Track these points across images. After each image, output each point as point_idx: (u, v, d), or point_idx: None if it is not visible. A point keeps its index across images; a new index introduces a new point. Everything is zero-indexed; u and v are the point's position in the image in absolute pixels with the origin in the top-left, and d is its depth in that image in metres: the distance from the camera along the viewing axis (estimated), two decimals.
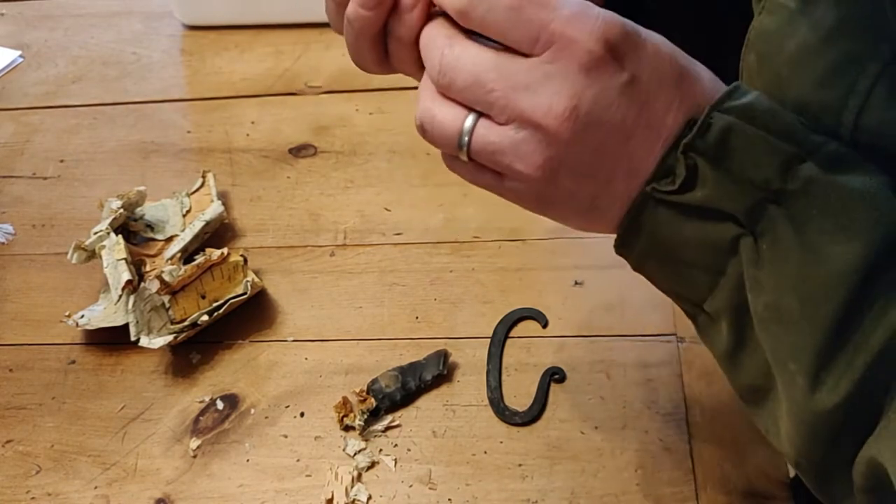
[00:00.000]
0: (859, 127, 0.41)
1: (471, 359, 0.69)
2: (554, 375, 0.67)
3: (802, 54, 0.43)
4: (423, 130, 0.45)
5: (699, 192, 0.40)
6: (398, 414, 0.67)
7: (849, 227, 0.38)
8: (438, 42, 0.43)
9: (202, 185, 0.83)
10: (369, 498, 0.62)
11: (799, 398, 0.40)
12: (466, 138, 0.43)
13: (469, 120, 0.43)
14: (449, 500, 0.62)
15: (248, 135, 0.90)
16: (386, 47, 0.49)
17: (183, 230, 0.78)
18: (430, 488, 0.63)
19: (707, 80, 0.43)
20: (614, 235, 0.46)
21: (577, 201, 0.44)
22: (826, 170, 0.39)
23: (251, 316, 0.74)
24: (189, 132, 0.91)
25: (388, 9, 0.47)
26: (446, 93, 0.43)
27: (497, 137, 0.42)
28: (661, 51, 0.42)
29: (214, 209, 0.78)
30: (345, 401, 0.66)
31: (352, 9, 0.47)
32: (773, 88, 0.45)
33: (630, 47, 0.41)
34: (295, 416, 0.67)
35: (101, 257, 0.74)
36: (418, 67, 0.49)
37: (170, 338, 0.69)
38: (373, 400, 0.66)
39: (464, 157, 0.44)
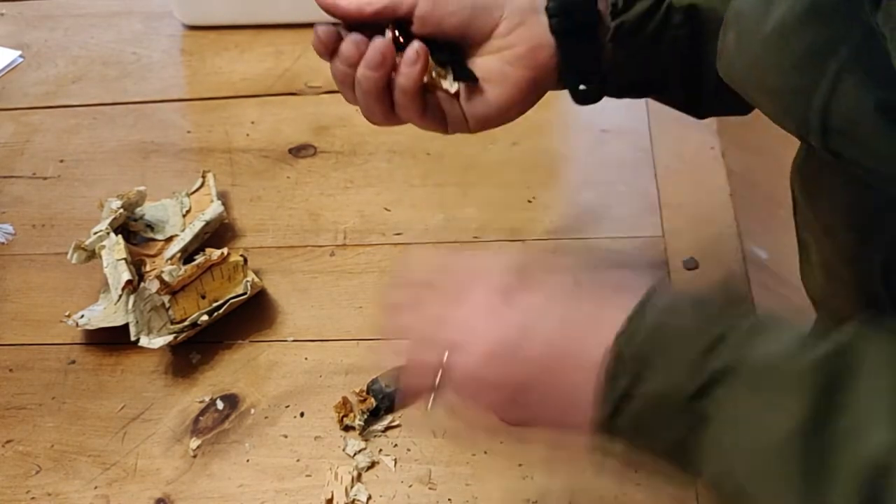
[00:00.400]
0: (829, 110, 0.42)
1: None
2: None
3: (778, 37, 0.43)
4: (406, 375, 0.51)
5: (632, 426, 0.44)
6: (398, 414, 0.67)
7: (775, 400, 0.40)
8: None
9: (202, 185, 0.83)
10: (369, 498, 0.62)
11: None
12: (431, 400, 0.49)
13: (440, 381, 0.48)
14: (449, 500, 0.62)
15: (248, 135, 0.90)
16: (392, 101, 0.56)
17: (183, 230, 0.78)
18: (430, 488, 0.62)
19: (614, 295, 0.46)
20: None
21: (541, 422, 0.49)
22: (743, 345, 0.41)
23: (251, 316, 0.74)
24: (189, 132, 0.91)
25: (391, 67, 0.55)
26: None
27: (453, 395, 0.48)
28: (561, 283, 0.48)
29: (214, 209, 0.78)
30: (344, 401, 0.66)
31: (361, 72, 0.55)
32: (752, 70, 0.46)
33: (526, 290, 0.47)
34: (295, 416, 0.67)
35: (101, 257, 0.74)
36: (421, 114, 0.55)
37: (170, 338, 0.69)
38: (373, 400, 0.66)
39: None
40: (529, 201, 0.79)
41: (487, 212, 0.79)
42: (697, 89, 0.60)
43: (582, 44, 0.57)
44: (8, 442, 0.67)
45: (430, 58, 0.56)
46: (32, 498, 0.64)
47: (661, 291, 0.45)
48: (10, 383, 0.71)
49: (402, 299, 0.52)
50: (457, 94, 0.57)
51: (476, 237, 0.78)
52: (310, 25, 0.55)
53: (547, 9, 0.56)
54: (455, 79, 0.57)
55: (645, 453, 0.45)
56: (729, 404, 0.41)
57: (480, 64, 0.57)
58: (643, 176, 0.82)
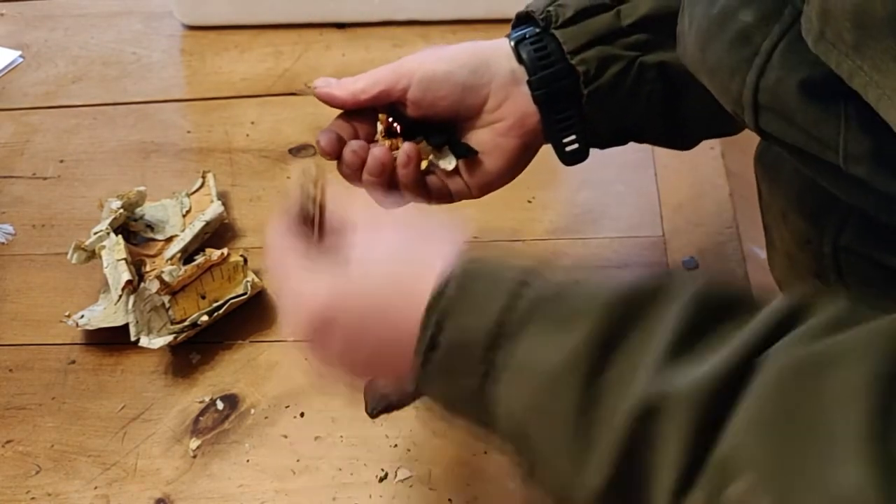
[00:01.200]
0: (759, 88, 0.44)
1: None
2: None
3: (722, 16, 0.46)
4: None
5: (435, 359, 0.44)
6: (397, 414, 0.67)
7: (559, 336, 0.41)
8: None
9: (202, 186, 0.83)
10: (369, 497, 0.62)
11: (571, 483, 0.40)
12: None
13: None
14: (449, 500, 0.62)
15: (248, 135, 0.90)
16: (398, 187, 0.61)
17: (183, 230, 0.78)
18: (430, 488, 0.62)
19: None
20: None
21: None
22: (542, 301, 0.42)
23: (251, 316, 0.74)
24: (189, 132, 0.91)
25: (392, 167, 0.60)
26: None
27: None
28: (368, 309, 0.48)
29: (214, 209, 0.78)
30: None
31: (364, 177, 0.60)
32: (696, 51, 0.48)
33: (336, 326, 0.47)
34: (295, 417, 0.67)
35: (101, 257, 0.74)
36: (427, 196, 0.62)
37: (170, 338, 0.69)
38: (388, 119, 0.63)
39: None
40: (529, 201, 0.79)
41: (487, 212, 0.79)
42: (679, 128, 0.64)
43: (563, 110, 0.61)
44: (8, 442, 0.67)
45: (426, 142, 0.61)
46: (32, 498, 0.64)
47: (471, 247, 0.47)
48: (10, 383, 0.71)
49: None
50: (456, 170, 0.62)
51: (476, 237, 0.78)
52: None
53: (529, 82, 0.60)
54: (455, 156, 0.62)
55: (450, 409, 0.46)
56: (520, 347, 0.42)
57: (474, 138, 0.62)
58: (643, 176, 0.82)
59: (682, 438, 0.37)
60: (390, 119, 0.61)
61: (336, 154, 0.61)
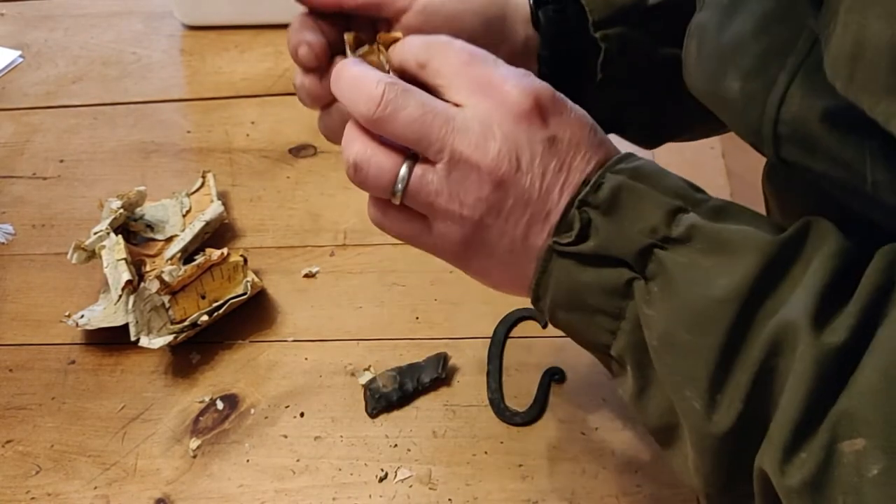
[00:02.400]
0: (780, 119, 0.44)
1: (471, 359, 0.69)
2: (554, 376, 0.67)
3: (734, 46, 0.45)
4: (358, 171, 0.47)
5: (592, 241, 0.44)
6: (397, 414, 0.67)
7: (728, 261, 0.41)
8: (377, 79, 0.45)
9: (202, 186, 0.83)
10: (369, 497, 0.62)
11: (698, 424, 0.42)
12: (403, 181, 0.46)
13: (406, 164, 0.46)
14: (449, 500, 0.62)
15: (248, 135, 0.90)
16: None
17: (183, 230, 0.78)
18: (430, 488, 0.62)
19: (616, 150, 0.48)
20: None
21: (498, 252, 0.47)
22: (707, 219, 0.43)
23: (251, 316, 0.74)
24: (189, 132, 0.91)
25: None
26: (384, 129, 0.45)
27: (433, 177, 0.45)
28: (583, 120, 0.47)
29: (214, 209, 0.78)
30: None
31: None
32: (710, 80, 0.48)
33: (555, 109, 0.46)
34: (295, 416, 0.67)
35: (101, 257, 0.74)
36: None
37: (170, 338, 0.69)
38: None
39: (396, 201, 0.46)
40: None
41: None
42: (666, 128, 0.64)
43: (566, 89, 0.58)
44: (8, 442, 0.67)
45: None
46: (32, 498, 0.64)
47: (632, 157, 0.46)
48: (10, 383, 0.71)
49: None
50: None
51: None
52: None
53: (539, 57, 0.58)
54: None
55: (570, 305, 0.46)
56: (676, 263, 0.42)
57: None
58: None
59: (810, 379, 0.38)
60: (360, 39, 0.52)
61: (323, 64, 0.53)
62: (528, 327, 0.71)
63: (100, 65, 1.00)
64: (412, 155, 0.46)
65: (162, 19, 1.05)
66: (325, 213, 0.82)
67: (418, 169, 0.46)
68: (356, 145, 0.47)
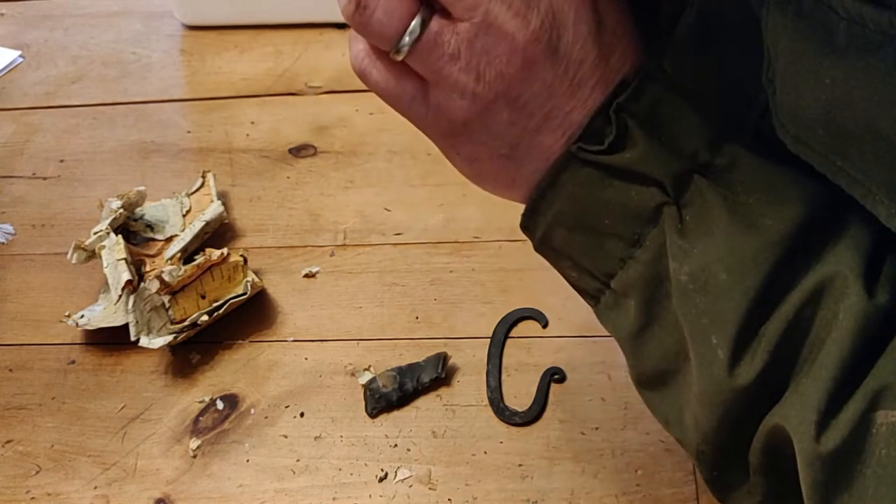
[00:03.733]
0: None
1: (470, 359, 0.69)
2: (554, 376, 0.67)
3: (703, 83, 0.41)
4: (361, 8, 0.38)
5: (628, 153, 0.39)
6: (397, 414, 0.67)
7: (776, 201, 0.38)
8: None
9: (202, 185, 0.83)
10: (369, 497, 0.62)
11: (718, 375, 0.38)
12: (414, 33, 0.38)
13: (423, 11, 0.38)
14: (449, 500, 0.62)
15: (248, 135, 0.90)
16: None
17: (183, 230, 0.78)
18: (430, 488, 0.63)
19: (640, 46, 0.42)
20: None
21: (499, 142, 0.41)
22: (752, 149, 0.39)
23: (251, 316, 0.74)
24: (189, 132, 0.91)
25: None
26: None
27: (453, 37, 0.38)
28: (625, 5, 0.41)
29: (214, 209, 0.78)
30: None
31: None
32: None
33: None
34: (295, 416, 0.67)
35: (101, 257, 0.74)
36: None
37: (170, 338, 0.69)
38: None
39: (399, 56, 0.39)
40: None
41: (487, 212, 0.79)
42: None
43: None
44: (8, 442, 0.67)
45: None
46: (32, 498, 0.64)
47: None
48: (10, 383, 0.71)
49: None
50: None
51: (476, 237, 0.78)
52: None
53: None
54: None
55: (584, 216, 0.40)
56: (715, 195, 0.38)
57: None
58: None
59: (856, 336, 0.35)
60: None
61: None
62: (528, 327, 0.71)
63: (100, 65, 1.00)
64: (431, 5, 0.38)
65: (162, 19, 1.05)
66: (325, 213, 0.82)
67: (435, 24, 0.38)
68: None
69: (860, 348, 0.35)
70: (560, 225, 0.41)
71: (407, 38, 0.38)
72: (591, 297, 0.44)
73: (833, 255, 0.37)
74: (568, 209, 0.41)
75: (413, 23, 0.38)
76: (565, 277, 0.44)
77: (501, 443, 0.65)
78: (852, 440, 0.34)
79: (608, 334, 0.46)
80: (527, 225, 0.43)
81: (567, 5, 0.38)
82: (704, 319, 0.38)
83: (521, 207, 0.44)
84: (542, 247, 0.43)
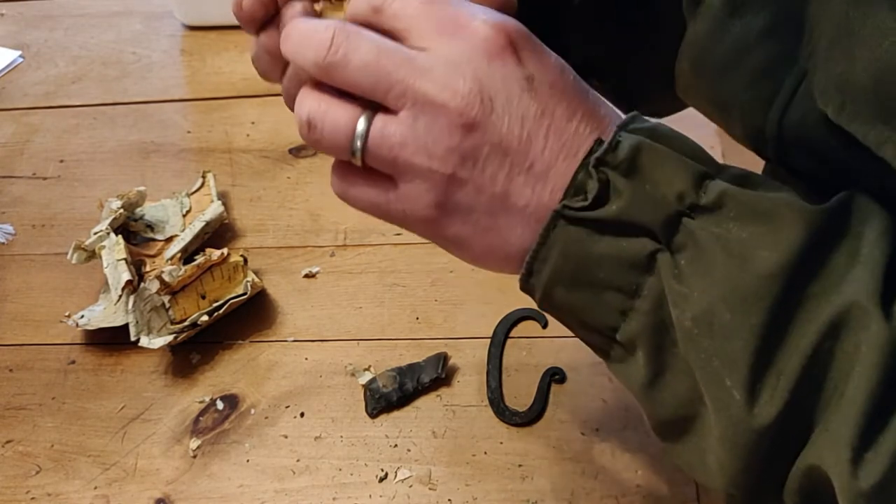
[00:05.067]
0: (784, 124, 0.41)
1: (471, 359, 0.69)
2: (554, 376, 0.67)
3: (733, 56, 0.43)
4: (312, 129, 0.41)
5: (613, 205, 0.39)
6: (397, 414, 0.67)
7: (769, 231, 0.37)
8: (326, 24, 0.41)
9: (202, 186, 0.83)
10: (369, 497, 0.62)
11: (737, 416, 0.37)
12: (362, 135, 0.40)
13: (365, 116, 0.40)
14: (449, 500, 0.62)
15: (248, 135, 0.90)
16: None
17: (183, 230, 0.78)
18: (430, 488, 0.62)
19: (607, 104, 0.43)
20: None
21: (475, 215, 0.42)
22: (737, 185, 0.39)
23: (251, 316, 0.74)
24: (189, 132, 0.91)
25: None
26: (336, 77, 0.40)
27: (396, 128, 0.40)
28: (563, 66, 0.42)
29: (214, 209, 0.78)
30: None
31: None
32: (706, 90, 0.45)
33: (530, 49, 0.41)
34: (295, 416, 0.67)
35: (101, 257, 0.74)
36: None
37: (170, 338, 0.69)
38: None
39: (357, 161, 0.41)
40: None
41: None
42: (646, 72, 0.57)
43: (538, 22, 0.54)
44: (8, 442, 0.67)
45: None
46: (32, 498, 0.64)
47: (642, 117, 0.41)
48: (10, 383, 0.71)
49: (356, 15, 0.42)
50: None
51: None
52: None
53: None
54: None
55: (579, 273, 0.40)
56: (708, 232, 0.38)
57: None
58: None
59: (882, 368, 0.34)
60: None
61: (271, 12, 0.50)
62: (528, 327, 0.71)
63: (100, 65, 1.00)
64: (372, 106, 0.40)
65: (162, 19, 1.05)
66: (325, 213, 0.82)
67: (378, 120, 0.40)
68: (309, 100, 0.42)
69: (887, 378, 0.34)
70: (557, 284, 0.41)
71: (358, 142, 0.41)
72: (602, 352, 0.43)
73: (845, 280, 0.36)
74: (562, 267, 0.41)
75: (358, 126, 0.40)
76: (576, 334, 0.44)
77: (501, 443, 0.65)
78: (892, 472, 0.34)
79: None
80: (525, 287, 0.43)
81: (492, 69, 0.40)
82: (715, 362, 0.38)
83: None
84: (544, 306, 0.43)
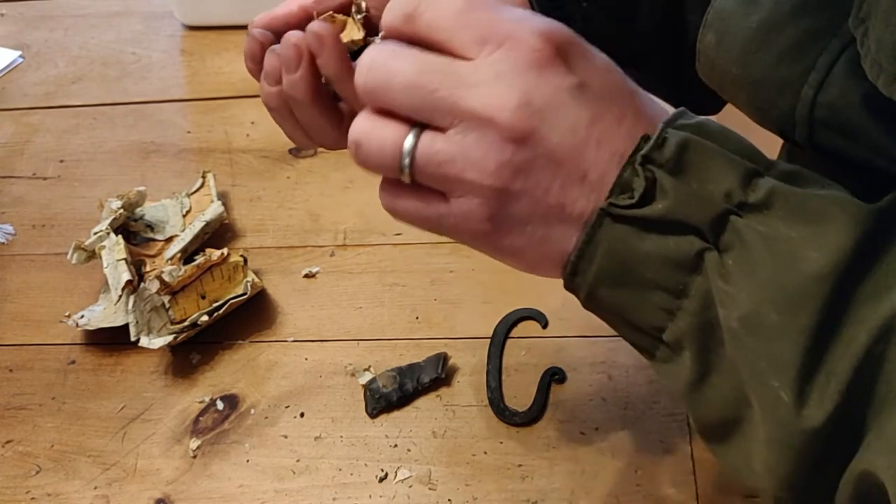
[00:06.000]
0: (818, 103, 0.41)
1: (471, 359, 0.69)
2: (554, 376, 0.67)
3: (764, 31, 0.42)
4: (359, 149, 0.41)
5: (660, 203, 0.38)
6: (397, 414, 0.67)
7: (818, 231, 0.36)
8: (370, 51, 0.41)
9: (202, 186, 0.83)
10: (369, 497, 0.62)
11: (785, 418, 0.37)
12: (409, 153, 0.40)
13: (412, 133, 0.40)
14: (449, 500, 0.62)
15: (248, 135, 0.90)
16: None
17: (183, 230, 0.78)
18: (430, 488, 0.62)
19: (654, 100, 0.42)
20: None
21: (530, 227, 0.41)
22: (786, 182, 0.38)
23: (251, 316, 0.74)
24: (189, 132, 0.91)
25: (314, 65, 0.48)
26: (380, 99, 0.40)
27: (444, 145, 0.39)
28: (611, 66, 0.41)
29: (214, 209, 0.78)
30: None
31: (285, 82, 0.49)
32: (732, 66, 0.44)
33: (577, 54, 0.40)
34: (295, 416, 0.67)
35: (101, 257, 0.74)
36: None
37: (170, 338, 0.69)
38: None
39: (406, 178, 0.41)
40: None
41: None
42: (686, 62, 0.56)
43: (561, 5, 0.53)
44: (8, 442, 0.67)
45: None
46: (32, 498, 0.64)
47: (689, 113, 0.40)
48: (10, 383, 0.71)
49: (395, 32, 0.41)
50: None
51: None
52: None
53: None
54: None
55: (624, 272, 0.40)
56: (757, 231, 0.37)
57: None
58: None
59: None
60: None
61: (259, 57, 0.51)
62: (528, 327, 0.71)
63: (100, 65, 1.00)
64: (420, 124, 0.40)
65: (162, 19, 1.05)
66: (325, 213, 0.82)
67: (426, 137, 0.39)
68: (357, 121, 0.41)
69: None
70: (602, 284, 0.41)
71: (406, 160, 0.40)
72: (648, 353, 0.43)
73: (893, 295, 0.35)
74: (607, 267, 0.40)
75: (406, 144, 0.40)
76: (621, 335, 0.44)
77: (501, 443, 0.65)
78: None
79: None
80: (570, 287, 0.42)
81: (541, 79, 0.39)
82: (762, 363, 0.37)
83: None
84: (589, 307, 0.43)
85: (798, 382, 0.36)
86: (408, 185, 0.41)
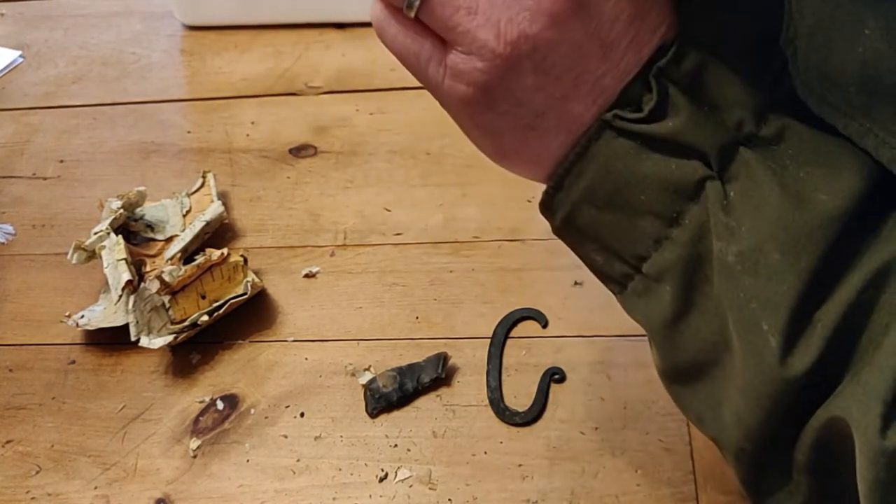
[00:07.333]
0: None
1: (470, 359, 0.69)
2: (554, 376, 0.67)
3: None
4: None
5: (670, 122, 0.35)
6: (397, 414, 0.67)
7: (829, 175, 0.34)
8: None
9: (202, 186, 0.83)
10: (369, 497, 0.62)
11: (768, 364, 0.34)
12: None
13: None
14: (449, 500, 0.62)
15: (248, 135, 0.90)
16: None
17: (183, 230, 0.78)
18: (430, 488, 0.63)
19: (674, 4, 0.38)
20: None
21: (523, 110, 0.36)
22: (801, 117, 0.35)
23: (251, 316, 0.74)
24: (189, 132, 0.91)
25: None
26: None
27: None
28: None
29: (214, 209, 0.78)
30: None
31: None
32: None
33: None
34: (295, 416, 0.67)
35: (101, 257, 0.74)
36: None
37: (170, 338, 0.69)
38: None
39: (411, 12, 0.36)
40: (529, 201, 0.79)
41: (487, 212, 0.79)
42: None
43: None
44: (8, 442, 0.67)
45: None
46: (32, 498, 0.64)
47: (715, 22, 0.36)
48: (10, 383, 0.71)
49: None
50: None
51: (476, 237, 0.78)
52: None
53: None
54: None
55: (617, 192, 0.37)
56: (767, 168, 0.35)
57: None
58: None
59: None
60: None
61: None
62: (528, 327, 0.71)
63: (100, 65, 1.00)
64: None
65: (162, 19, 1.05)
66: (325, 213, 0.82)
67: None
68: None
69: None
70: (588, 202, 0.37)
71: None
72: (617, 283, 0.40)
73: (895, 232, 0.34)
74: (599, 184, 0.37)
75: None
76: (587, 263, 0.41)
77: (501, 443, 0.65)
78: None
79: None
80: (548, 203, 0.39)
81: None
82: (754, 304, 0.35)
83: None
84: (564, 228, 0.40)
85: (789, 326, 0.34)
86: (409, 18, 0.37)
